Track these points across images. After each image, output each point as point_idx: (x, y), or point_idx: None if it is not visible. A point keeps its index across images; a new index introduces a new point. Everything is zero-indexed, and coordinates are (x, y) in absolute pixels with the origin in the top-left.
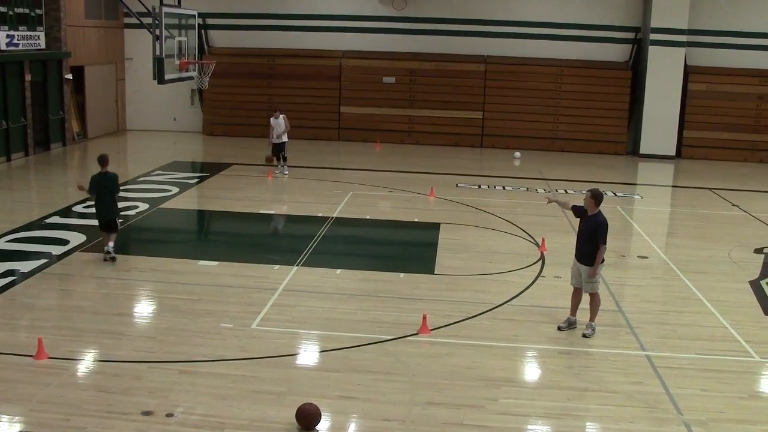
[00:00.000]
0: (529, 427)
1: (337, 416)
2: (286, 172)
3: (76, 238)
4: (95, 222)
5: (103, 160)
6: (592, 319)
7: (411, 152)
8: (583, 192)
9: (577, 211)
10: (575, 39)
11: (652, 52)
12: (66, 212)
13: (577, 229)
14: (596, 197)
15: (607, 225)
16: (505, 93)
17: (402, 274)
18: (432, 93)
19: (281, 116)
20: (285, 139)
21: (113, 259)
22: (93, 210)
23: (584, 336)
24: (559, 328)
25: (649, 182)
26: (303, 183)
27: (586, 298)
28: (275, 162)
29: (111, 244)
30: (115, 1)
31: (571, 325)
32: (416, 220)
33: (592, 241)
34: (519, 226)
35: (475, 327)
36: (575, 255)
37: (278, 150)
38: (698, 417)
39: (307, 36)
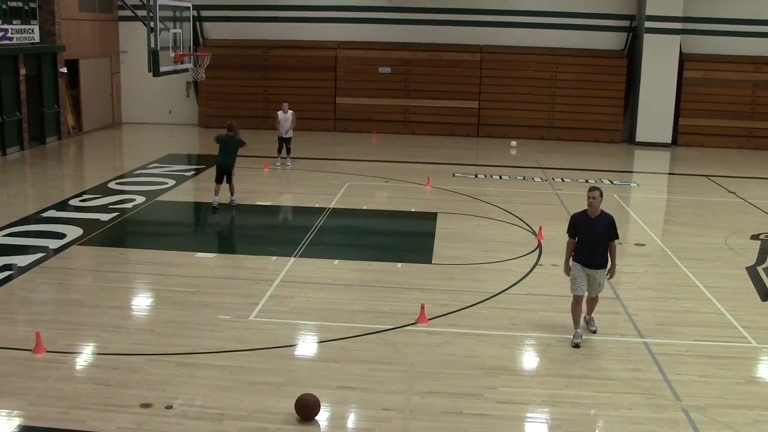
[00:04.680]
0: (528, 415)
1: (336, 406)
2: (289, 163)
3: (73, 232)
4: (92, 215)
5: (229, 127)
6: (590, 312)
7: (407, 142)
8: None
9: (575, 225)
10: (570, 27)
11: (648, 39)
12: (62, 206)
13: (583, 235)
14: (602, 194)
15: None
16: (500, 82)
17: (399, 264)
18: (428, 83)
19: (290, 111)
20: (290, 134)
21: (216, 209)
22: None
23: (594, 332)
24: (577, 345)
25: (645, 170)
26: (299, 174)
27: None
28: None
29: (233, 198)
30: None
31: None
32: (413, 209)
33: (606, 239)
34: (516, 215)
35: (473, 316)
36: (582, 261)
37: (284, 143)
38: (696, 403)
39: (303, 27)
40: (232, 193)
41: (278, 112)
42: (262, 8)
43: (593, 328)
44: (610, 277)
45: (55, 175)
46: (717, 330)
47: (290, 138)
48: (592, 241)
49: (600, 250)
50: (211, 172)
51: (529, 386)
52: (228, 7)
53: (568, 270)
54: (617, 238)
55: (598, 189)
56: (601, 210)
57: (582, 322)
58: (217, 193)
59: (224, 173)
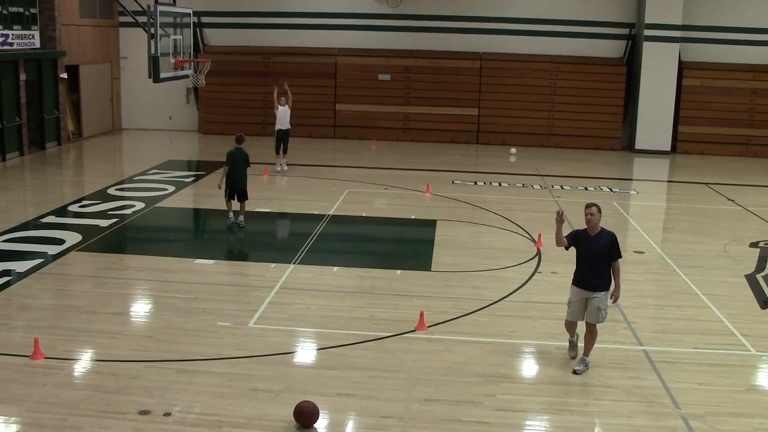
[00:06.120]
0: (528, 422)
1: (334, 414)
2: (286, 168)
3: (72, 238)
4: (91, 221)
5: (239, 139)
6: (586, 353)
7: (407, 149)
8: (556, 208)
9: (574, 238)
10: (570, 35)
11: (647, 47)
12: (62, 212)
13: (582, 254)
14: (600, 209)
15: None
16: (500, 89)
17: (399, 271)
18: (427, 90)
19: (286, 105)
20: (288, 126)
21: (240, 227)
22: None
23: (576, 373)
24: (573, 358)
25: (644, 177)
26: (299, 181)
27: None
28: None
29: (241, 218)
30: (110, 0)
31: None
32: (413, 217)
33: (609, 259)
34: (515, 222)
35: (472, 323)
36: (579, 284)
37: (281, 139)
38: (695, 411)
39: (303, 34)
40: (241, 211)
41: (278, 105)
42: (262, 15)
43: (578, 368)
44: (614, 301)
45: (54, 180)
46: (716, 338)
47: (288, 130)
48: (592, 260)
49: (600, 271)
50: (212, 179)
51: (529, 394)
52: (228, 14)
53: (560, 237)
54: (620, 257)
55: (595, 204)
56: (602, 227)
57: (577, 352)
58: (230, 209)
59: (239, 191)
